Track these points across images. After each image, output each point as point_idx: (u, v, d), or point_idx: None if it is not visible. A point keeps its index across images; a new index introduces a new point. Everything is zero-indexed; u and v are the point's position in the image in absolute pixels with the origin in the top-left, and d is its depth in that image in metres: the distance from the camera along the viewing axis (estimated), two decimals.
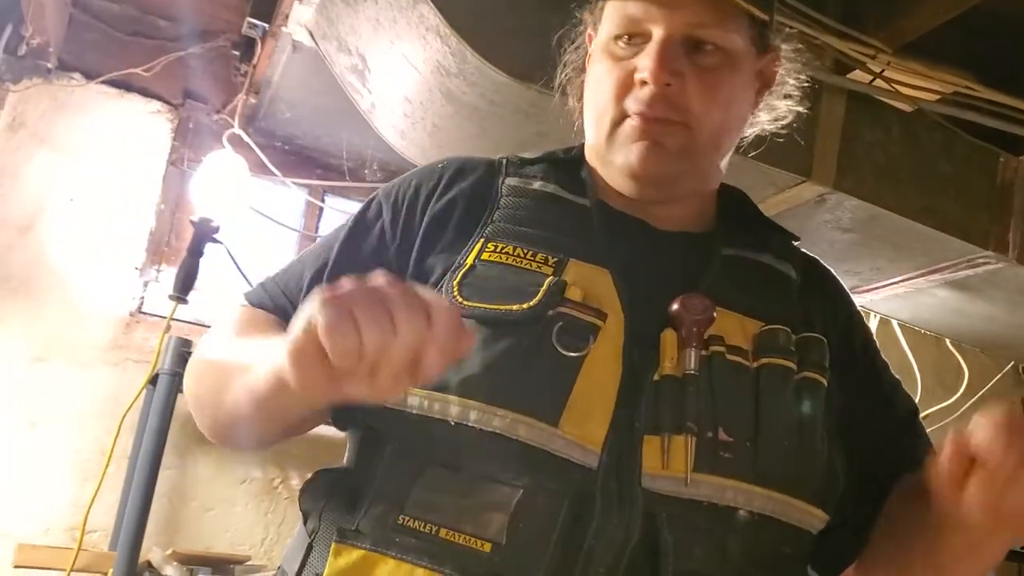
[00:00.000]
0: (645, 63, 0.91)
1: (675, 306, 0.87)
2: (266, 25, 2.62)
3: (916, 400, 3.35)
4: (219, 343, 0.94)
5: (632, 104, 0.92)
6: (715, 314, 0.87)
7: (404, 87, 2.05)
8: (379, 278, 0.67)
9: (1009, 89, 2.16)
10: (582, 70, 1.07)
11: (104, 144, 2.96)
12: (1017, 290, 2.49)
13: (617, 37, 0.95)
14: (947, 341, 3.33)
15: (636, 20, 0.93)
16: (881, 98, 2.15)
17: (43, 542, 2.65)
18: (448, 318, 0.65)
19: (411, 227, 0.95)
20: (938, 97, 2.24)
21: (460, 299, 0.85)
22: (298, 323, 0.66)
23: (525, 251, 0.89)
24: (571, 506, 0.78)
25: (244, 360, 0.82)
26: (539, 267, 0.88)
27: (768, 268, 0.98)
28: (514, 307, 0.84)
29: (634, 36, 0.94)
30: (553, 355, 0.82)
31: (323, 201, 3.39)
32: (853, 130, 2.10)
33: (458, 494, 0.79)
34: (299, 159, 3.31)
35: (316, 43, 2.27)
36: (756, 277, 0.97)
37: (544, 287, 0.85)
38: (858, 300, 2.79)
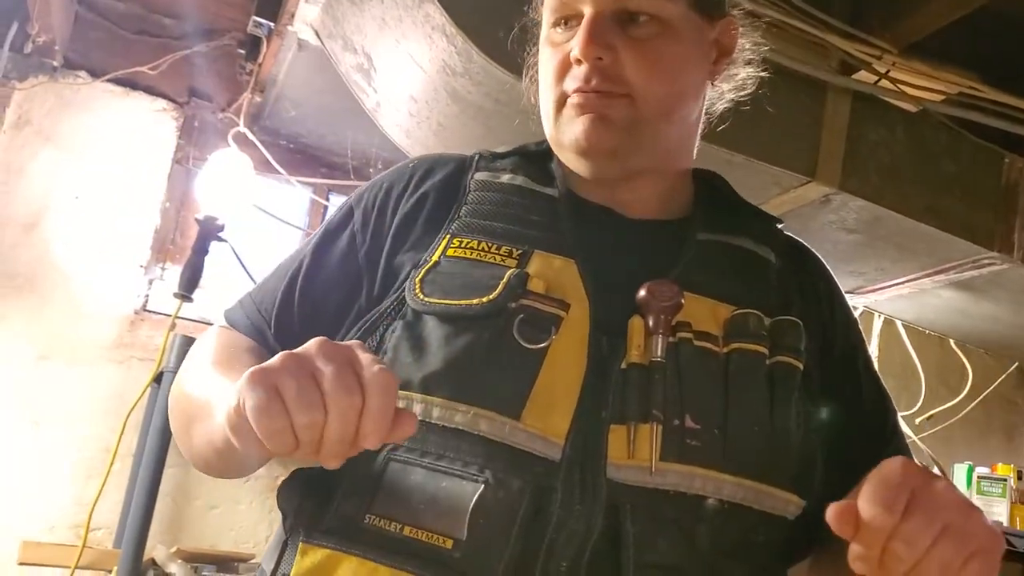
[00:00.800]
0: (575, 41, 0.91)
1: (641, 293, 0.85)
2: (272, 24, 2.62)
3: (920, 401, 3.34)
4: (194, 374, 0.92)
5: (570, 82, 0.92)
6: (682, 300, 0.85)
7: (409, 86, 2.05)
8: (313, 345, 0.66)
9: (1014, 90, 2.16)
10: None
11: (109, 142, 2.97)
12: (1022, 291, 2.49)
13: (555, 24, 0.96)
14: (951, 342, 3.32)
15: (566, 3, 0.94)
16: (886, 98, 2.15)
17: (48, 539, 2.66)
18: (383, 391, 0.64)
19: (381, 229, 0.95)
20: (943, 98, 2.24)
21: (421, 296, 0.85)
22: (230, 400, 0.66)
23: (489, 245, 0.89)
24: (532, 500, 0.77)
25: (206, 405, 0.82)
26: (502, 260, 0.87)
27: (746, 252, 0.97)
28: (474, 301, 0.83)
29: (569, 19, 0.94)
30: (515, 348, 0.81)
31: (327, 199, 3.40)
32: (858, 130, 2.10)
33: (421, 491, 0.78)
34: (304, 157, 3.31)
35: (322, 42, 2.27)
36: (732, 261, 0.95)
37: (504, 280, 0.84)
38: (863, 300, 2.79)
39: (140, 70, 2.99)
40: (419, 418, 0.78)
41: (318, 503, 0.83)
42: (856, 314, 3.61)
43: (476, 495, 0.76)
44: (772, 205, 2.15)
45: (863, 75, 2.13)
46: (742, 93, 1.09)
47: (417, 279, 0.87)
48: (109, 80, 2.99)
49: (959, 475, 3.48)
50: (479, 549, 0.76)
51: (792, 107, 2.01)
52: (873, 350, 3.50)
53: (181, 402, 0.93)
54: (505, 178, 0.97)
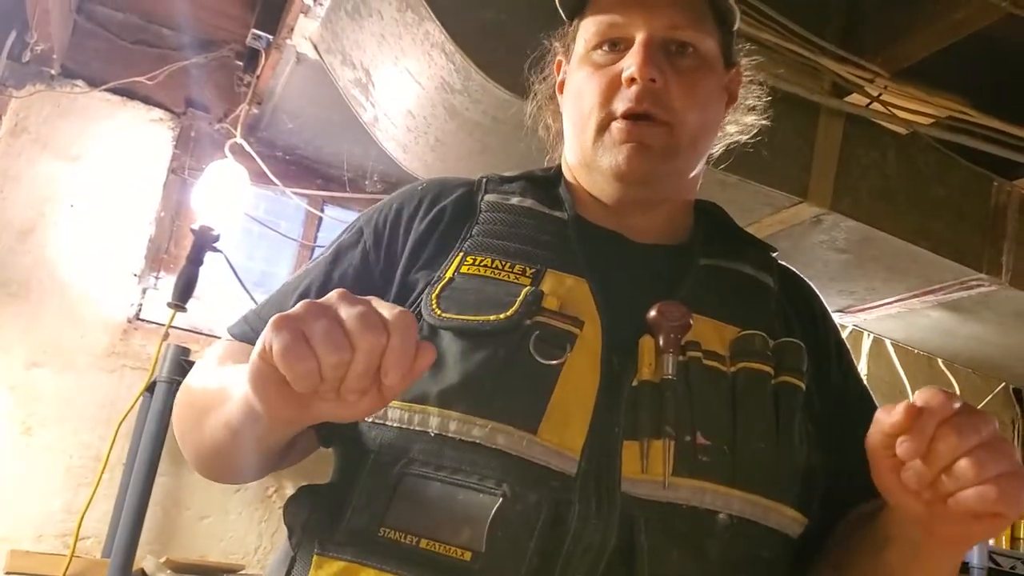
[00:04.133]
0: (631, 62, 0.94)
1: (652, 313, 0.88)
2: (271, 37, 2.64)
3: None
4: (200, 380, 0.94)
5: (620, 104, 0.95)
6: (691, 320, 0.88)
7: (407, 102, 2.07)
8: (334, 295, 0.68)
9: (1003, 114, 2.19)
10: (551, 98, 1.11)
11: (106, 151, 2.98)
12: (1009, 312, 2.52)
13: (596, 47, 0.98)
14: (939, 361, 3.35)
15: (617, 26, 0.97)
16: (878, 121, 2.18)
17: (36, 548, 2.65)
18: (405, 330, 0.65)
19: (394, 249, 0.97)
20: (934, 121, 2.27)
21: (438, 311, 0.87)
22: (255, 350, 0.67)
23: (503, 263, 0.91)
24: (550, 513, 0.78)
25: (219, 393, 0.84)
26: (516, 278, 0.89)
27: (746, 277, 1.00)
28: (491, 317, 0.85)
29: (615, 43, 0.97)
30: (531, 364, 0.83)
31: (322, 211, 3.41)
32: (850, 152, 2.13)
33: (438, 504, 0.79)
34: (299, 169, 3.32)
35: (320, 56, 2.29)
36: (733, 285, 0.98)
37: (521, 297, 0.86)
38: (852, 320, 2.81)
39: (137, 80, 3.01)
40: (436, 432, 0.80)
41: (329, 516, 0.83)
42: (845, 333, 3.63)
43: (495, 508, 0.78)
44: (764, 225, 2.17)
45: (855, 98, 2.16)
46: (742, 138, 1.13)
47: (433, 295, 0.89)
48: (106, 89, 3.00)
49: None
50: (498, 562, 0.77)
51: (785, 128, 2.03)
52: (862, 369, 3.52)
53: (191, 399, 0.94)
54: (515, 200, 1.00)
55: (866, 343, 3.47)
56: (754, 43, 1.88)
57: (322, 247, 1.22)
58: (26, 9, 2.69)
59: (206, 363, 0.96)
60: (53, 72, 2.94)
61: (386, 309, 0.67)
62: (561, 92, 1.08)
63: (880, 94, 2.10)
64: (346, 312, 0.65)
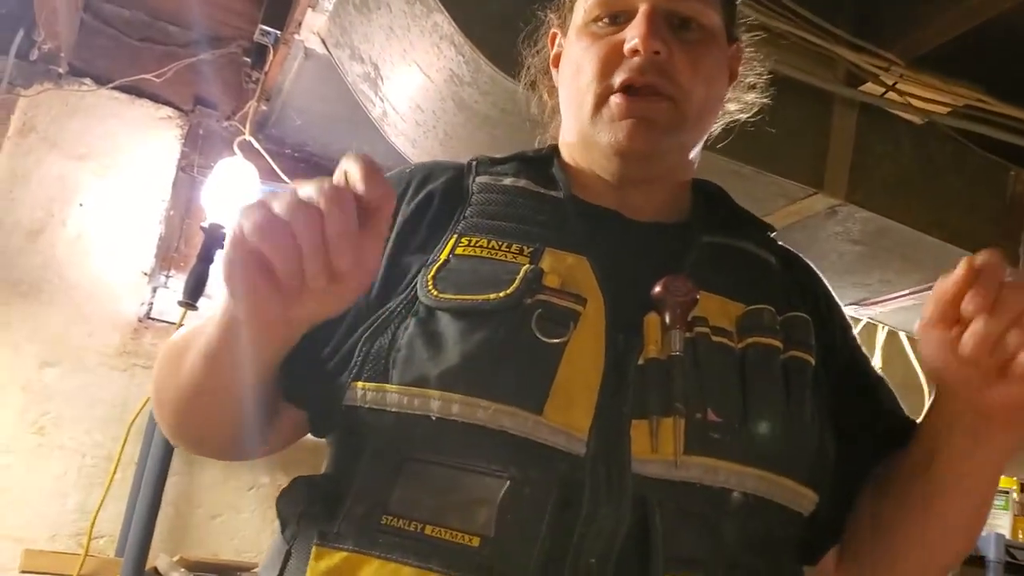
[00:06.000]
0: (633, 33, 0.92)
1: (657, 288, 0.85)
2: (278, 32, 2.62)
3: (922, 413, 3.34)
4: (173, 338, 0.94)
5: (620, 74, 0.93)
6: (698, 295, 0.85)
7: (416, 95, 2.05)
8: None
9: (1020, 103, 2.16)
10: (545, 72, 1.09)
11: (114, 149, 2.97)
12: None
13: (596, 18, 0.96)
14: None
15: None
16: (893, 110, 2.16)
17: (50, 548, 2.65)
18: (363, 171, 0.68)
19: (407, 228, 0.94)
20: (949, 110, 2.24)
21: (435, 292, 0.84)
22: (227, 242, 0.67)
23: (499, 243, 0.88)
24: (559, 495, 0.76)
25: (193, 332, 0.83)
26: (514, 257, 0.87)
27: (748, 254, 0.98)
28: (490, 296, 0.82)
29: (616, 16, 0.95)
30: (533, 343, 0.80)
31: None
32: (865, 142, 2.11)
33: (442, 489, 0.77)
34: (309, 166, 3.31)
35: (329, 51, 2.28)
36: (737, 262, 0.96)
37: (520, 275, 0.83)
38: (866, 312, 2.79)
39: (145, 77, 2.99)
40: (437, 416, 0.78)
41: (326, 507, 0.81)
42: (859, 326, 3.61)
43: (502, 491, 0.75)
44: (778, 216, 2.15)
45: (870, 87, 2.13)
46: (743, 116, 1.12)
47: (429, 276, 0.86)
48: (114, 87, 2.99)
49: None
50: (508, 546, 0.74)
51: (799, 118, 2.01)
52: (876, 362, 3.49)
53: (164, 354, 0.92)
54: (507, 181, 0.97)
55: (880, 336, 3.44)
56: (766, 32, 1.86)
57: None
58: (33, 8, 2.68)
59: (186, 335, 0.93)
60: (61, 71, 2.93)
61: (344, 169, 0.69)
62: (556, 65, 1.06)
63: (895, 83, 2.08)
64: (310, 188, 0.67)
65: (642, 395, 0.80)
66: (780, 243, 1.05)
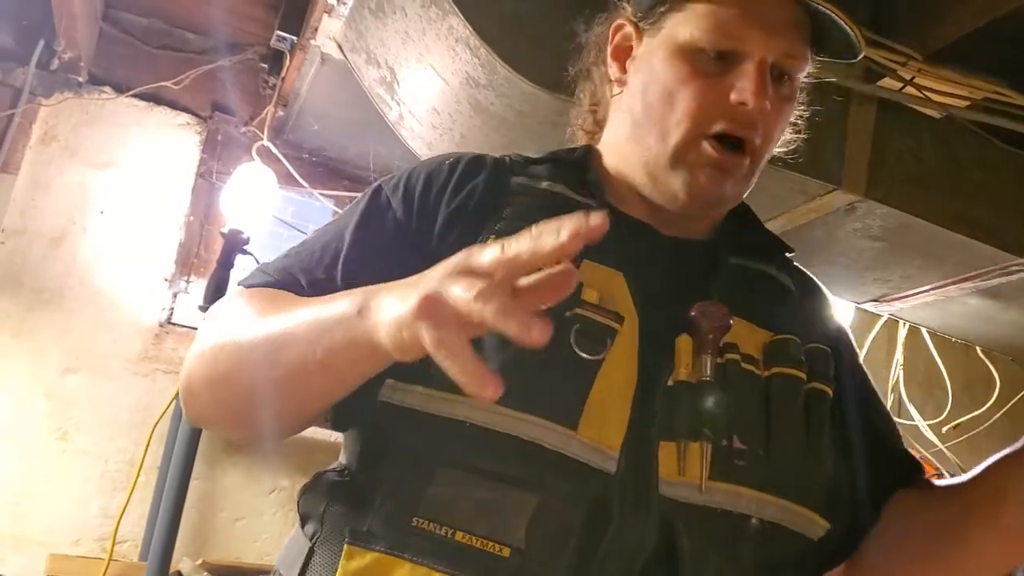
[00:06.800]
0: (746, 85, 0.89)
1: (693, 312, 0.86)
2: (295, 38, 2.64)
3: (946, 410, 3.32)
4: (243, 323, 0.84)
5: (721, 123, 0.90)
6: (731, 322, 0.86)
7: (432, 99, 2.05)
8: (460, 266, 0.63)
9: None
10: (599, 58, 1.05)
11: (134, 156, 3.00)
12: None
13: (701, 49, 0.91)
14: (978, 349, 3.29)
15: (735, 37, 0.90)
16: (912, 105, 2.14)
17: (74, 552, 2.67)
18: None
19: (427, 221, 0.92)
20: (970, 103, 2.22)
21: None
22: (393, 322, 0.64)
23: None
24: (588, 511, 0.77)
25: (306, 327, 0.76)
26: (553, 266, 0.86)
27: (771, 279, 0.99)
28: None
29: (725, 54, 0.91)
30: (570, 357, 0.80)
31: None
32: (883, 138, 2.09)
33: (474, 497, 0.77)
34: (326, 171, 3.33)
35: (345, 55, 2.28)
36: (762, 287, 0.97)
37: None
38: (887, 309, 2.76)
39: (164, 85, 3.02)
40: (471, 422, 0.78)
41: (353, 505, 0.81)
42: (880, 323, 3.57)
43: (534, 504, 0.76)
44: (798, 213, 2.14)
45: (887, 82, 2.11)
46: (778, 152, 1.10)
47: None
48: (133, 95, 3.02)
49: None
50: (538, 558, 0.75)
51: (816, 115, 2.00)
52: (898, 358, 3.47)
53: (250, 339, 0.82)
54: (544, 184, 0.96)
55: (902, 332, 3.41)
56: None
57: None
58: (53, 18, 2.71)
59: (238, 313, 0.87)
60: (81, 79, 2.96)
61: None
62: (618, 59, 1.01)
63: (913, 77, 2.05)
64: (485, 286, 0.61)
65: (671, 417, 0.82)
66: (797, 265, 1.06)
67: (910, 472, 1.01)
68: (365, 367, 0.75)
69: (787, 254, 1.04)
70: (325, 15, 2.27)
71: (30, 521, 2.69)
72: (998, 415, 3.46)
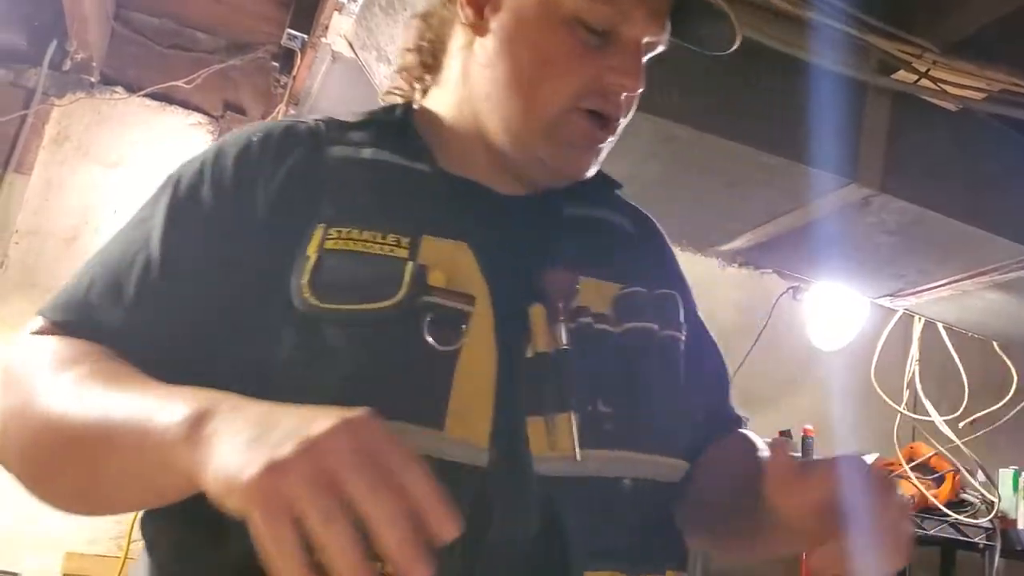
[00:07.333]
0: (629, 68, 0.87)
1: (541, 282, 0.84)
2: (305, 36, 2.64)
3: (963, 405, 3.31)
4: (62, 394, 0.71)
5: (596, 102, 0.88)
6: (579, 286, 0.85)
7: None
8: (326, 435, 0.55)
9: None
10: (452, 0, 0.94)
11: (146, 156, 3.00)
12: None
13: (581, 21, 0.86)
14: (994, 344, 3.27)
15: (620, 16, 0.87)
16: (927, 98, 2.12)
17: (90, 551, 2.68)
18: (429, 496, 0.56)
19: (245, 208, 0.82)
20: (985, 96, 2.20)
21: (316, 302, 0.76)
22: (287, 454, 0.54)
23: (373, 234, 0.80)
24: (468, 512, 0.71)
25: (117, 433, 0.66)
26: (392, 250, 0.80)
27: (609, 225, 0.98)
28: (378, 305, 0.76)
29: (605, 31, 0.87)
30: (426, 351, 0.75)
31: None
32: (899, 131, 2.07)
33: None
34: None
35: (355, 53, 2.28)
36: (601, 237, 0.96)
37: (407, 277, 0.78)
38: (903, 303, 2.75)
39: (175, 84, 3.02)
40: None
41: (209, 535, 0.70)
42: (895, 317, 3.54)
43: None
44: (812, 208, 2.13)
45: (902, 75, 2.10)
46: None
47: (304, 281, 0.77)
48: (145, 95, 3.02)
49: (1004, 480, 3.42)
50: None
51: (831, 108, 1.98)
52: (913, 354, 3.45)
53: (60, 431, 0.70)
54: (367, 152, 0.88)
55: (917, 327, 3.40)
56: (797, 21, 1.84)
57: None
58: (65, 19, 2.71)
59: (46, 370, 0.74)
60: (93, 80, 2.97)
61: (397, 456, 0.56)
62: (477, 10, 0.91)
63: (928, 69, 2.04)
64: (355, 480, 0.54)
65: (535, 391, 0.79)
66: (629, 202, 1.04)
67: (731, 425, 1.01)
68: (186, 492, 0.63)
69: (616, 191, 1.02)
70: (336, 13, 2.27)
71: (45, 521, 2.69)
72: (1015, 410, 3.44)
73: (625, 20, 0.87)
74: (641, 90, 0.90)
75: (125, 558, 2.50)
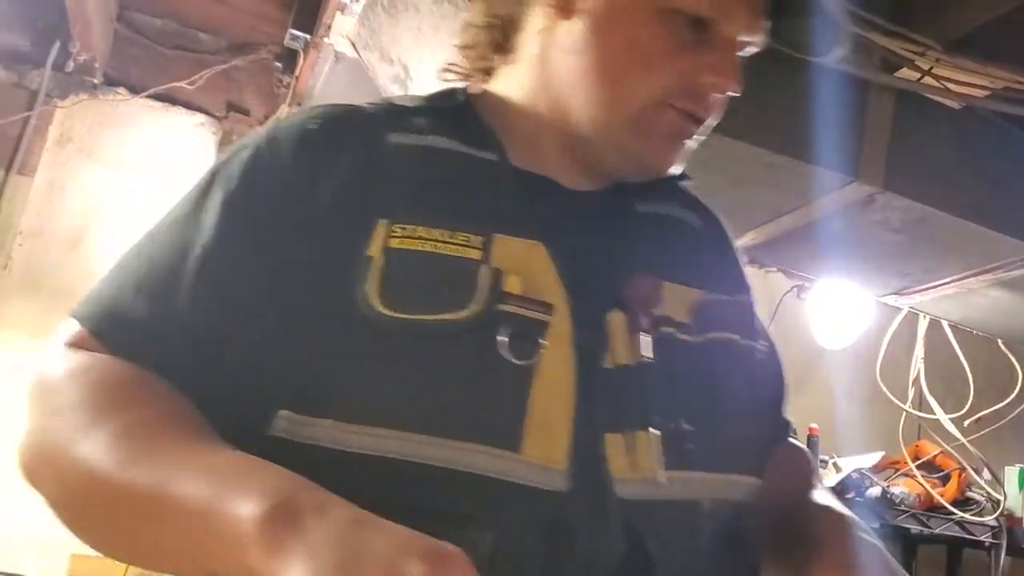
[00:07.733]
0: (727, 70, 0.83)
1: (624, 288, 0.78)
2: (308, 36, 2.64)
3: (968, 403, 3.29)
4: (98, 442, 0.66)
5: (691, 102, 0.83)
6: (663, 293, 0.80)
7: None
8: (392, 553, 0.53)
9: None
10: None
11: (150, 157, 3.01)
12: None
13: (679, 11, 0.81)
14: (999, 342, 3.26)
15: (718, 7, 0.82)
16: (931, 96, 2.12)
17: (95, 554, 2.68)
18: None
19: (308, 208, 0.76)
20: (989, 93, 2.19)
21: (383, 309, 0.70)
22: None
23: (442, 232, 0.74)
24: (547, 539, 0.68)
25: (164, 504, 0.61)
26: (463, 250, 0.74)
27: (681, 223, 0.92)
28: (453, 316, 0.71)
29: (704, 25, 0.82)
30: (501, 367, 0.70)
31: None
32: (902, 129, 2.06)
33: None
34: None
35: (358, 53, 2.28)
36: (676, 236, 0.90)
37: (483, 282, 0.72)
38: (907, 301, 2.74)
39: (178, 85, 3.03)
40: (395, 457, 0.67)
41: None
42: (900, 316, 3.53)
43: (489, 542, 0.66)
44: (816, 206, 2.12)
45: (905, 72, 2.09)
46: None
47: (371, 286, 0.71)
48: (148, 96, 3.03)
49: (1010, 478, 3.41)
50: None
51: (834, 106, 1.98)
52: (918, 352, 3.44)
53: (104, 488, 0.67)
54: (430, 140, 0.81)
55: (922, 325, 3.39)
56: (800, 19, 1.83)
57: None
58: (68, 20, 2.72)
59: (87, 410, 0.69)
60: (96, 81, 2.98)
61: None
62: None
63: (932, 67, 2.03)
64: None
65: (613, 406, 0.74)
66: (691, 193, 0.98)
67: (786, 432, 0.97)
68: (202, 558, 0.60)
69: (681, 183, 0.96)
70: (338, 13, 2.27)
71: (53, 522, 2.70)
72: (1021, 408, 3.43)
73: (725, 15, 0.83)
74: (736, 92, 0.85)
75: None
